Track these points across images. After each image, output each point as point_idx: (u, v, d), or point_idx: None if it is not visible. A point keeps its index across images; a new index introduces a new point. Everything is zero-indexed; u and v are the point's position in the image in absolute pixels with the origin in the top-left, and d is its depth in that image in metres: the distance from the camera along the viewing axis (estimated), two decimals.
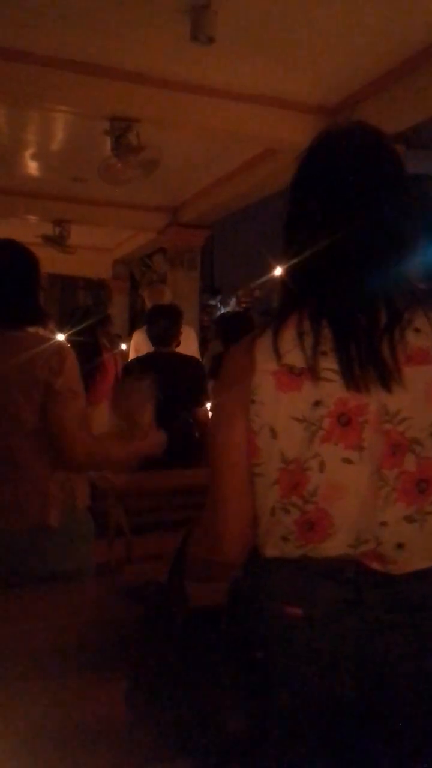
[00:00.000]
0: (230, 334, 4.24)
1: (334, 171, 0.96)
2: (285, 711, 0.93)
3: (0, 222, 7.23)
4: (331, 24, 3.46)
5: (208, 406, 3.37)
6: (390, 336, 0.90)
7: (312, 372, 0.89)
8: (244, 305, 9.36)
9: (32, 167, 6.17)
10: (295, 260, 0.97)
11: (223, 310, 9.53)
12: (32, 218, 7.51)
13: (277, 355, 0.91)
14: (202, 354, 4.94)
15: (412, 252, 0.95)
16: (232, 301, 9.81)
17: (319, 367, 0.89)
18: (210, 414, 1.06)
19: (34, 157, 5.88)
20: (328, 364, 0.90)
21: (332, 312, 0.92)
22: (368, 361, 0.89)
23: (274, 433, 0.91)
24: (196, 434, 3.34)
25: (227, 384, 0.98)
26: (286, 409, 0.90)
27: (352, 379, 0.89)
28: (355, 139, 0.99)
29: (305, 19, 3.43)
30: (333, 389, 0.89)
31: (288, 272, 0.99)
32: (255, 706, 0.95)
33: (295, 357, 0.91)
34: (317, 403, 0.89)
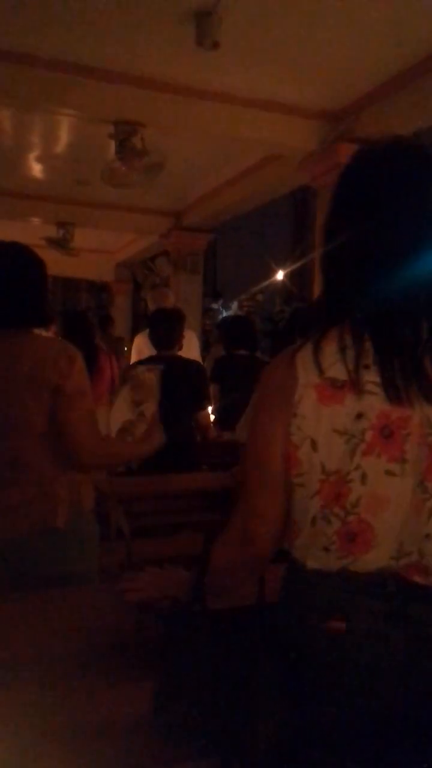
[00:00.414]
0: (232, 339, 4.26)
1: (377, 185, 0.96)
2: (330, 724, 0.94)
3: (4, 224, 7.26)
4: (335, 30, 3.47)
5: (210, 409, 3.38)
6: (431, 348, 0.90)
7: (354, 385, 0.90)
8: (246, 309, 9.38)
9: (36, 170, 6.20)
10: (335, 274, 0.98)
11: (225, 314, 9.54)
12: (36, 220, 7.54)
13: (319, 368, 0.92)
14: (203, 358, 4.94)
15: None
16: (234, 305, 9.83)
17: (362, 380, 0.90)
18: (248, 422, 1.08)
19: (39, 159, 5.90)
20: (371, 377, 0.90)
21: (375, 326, 0.93)
22: (411, 374, 0.90)
23: (314, 446, 0.92)
24: (198, 438, 3.34)
25: (267, 396, 0.99)
26: (327, 422, 0.92)
27: (394, 392, 0.90)
28: (397, 153, 0.99)
29: (309, 25, 3.44)
30: (375, 402, 0.90)
31: (328, 286, 1.00)
32: (291, 715, 0.96)
33: (337, 370, 0.92)
34: (359, 416, 0.90)
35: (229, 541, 1.04)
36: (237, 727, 0.97)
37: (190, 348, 4.28)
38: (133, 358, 4.50)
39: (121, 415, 1.88)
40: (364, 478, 0.91)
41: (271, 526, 0.99)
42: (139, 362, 3.77)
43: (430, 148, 1.00)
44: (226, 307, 10.10)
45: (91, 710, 1.14)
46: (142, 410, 1.87)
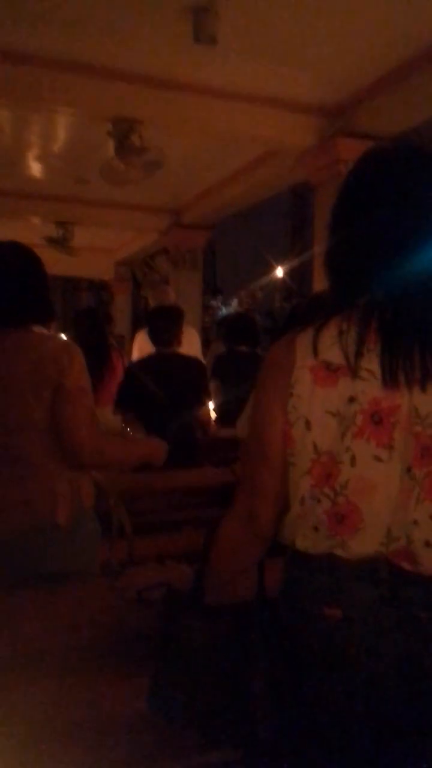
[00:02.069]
0: (232, 335, 4.26)
1: (385, 181, 0.99)
2: (329, 708, 0.95)
3: (3, 224, 7.25)
4: (333, 25, 3.47)
5: (210, 405, 3.38)
6: None
7: (350, 369, 0.93)
8: (246, 306, 9.38)
9: (35, 169, 6.19)
10: (341, 264, 1.01)
11: (224, 311, 9.54)
12: (35, 220, 7.53)
13: (315, 351, 0.95)
14: (204, 355, 4.94)
15: None
16: (234, 302, 9.82)
17: (357, 365, 0.93)
18: (252, 402, 1.11)
19: (37, 158, 5.89)
20: (366, 364, 0.93)
21: (382, 311, 0.95)
22: (415, 360, 0.92)
23: (308, 425, 0.96)
24: (198, 434, 3.35)
25: (268, 377, 1.03)
26: (321, 403, 0.95)
27: (392, 377, 0.92)
28: (403, 153, 1.01)
29: (307, 20, 3.43)
30: (368, 388, 0.93)
31: (334, 276, 1.03)
32: (289, 700, 0.97)
33: (333, 354, 0.95)
34: (351, 400, 0.94)
35: (233, 519, 1.07)
36: (236, 721, 0.98)
37: (192, 345, 4.28)
38: (135, 356, 4.50)
39: (111, 426, 1.88)
40: (353, 460, 0.93)
41: (272, 502, 1.02)
42: (139, 361, 3.78)
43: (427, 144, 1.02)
44: (226, 304, 10.09)
45: (90, 705, 1.14)
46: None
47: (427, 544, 0.92)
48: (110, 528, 2.11)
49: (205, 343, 6.42)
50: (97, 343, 3.70)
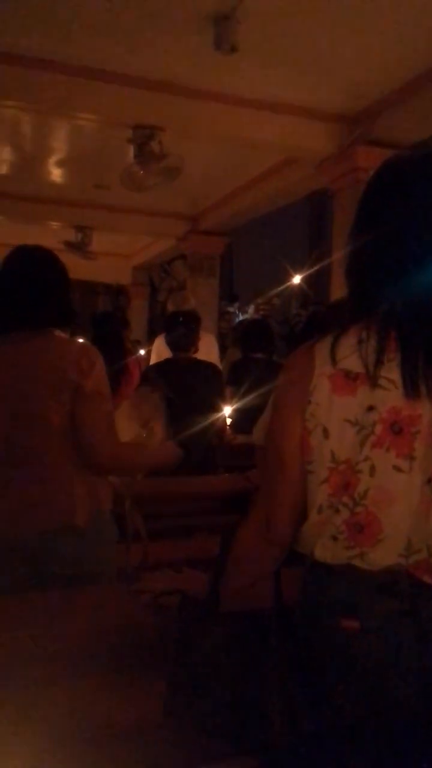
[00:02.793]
0: (248, 342, 4.26)
1: (405, 191, 0.99)
2: (345, 719, 0.95)
3: (23, 228, 7.33)
4: (353, 33, 3.47)
5: (226, 412, 3.38)
6: None
7: (369, 378, 0.93)
8: (262, 313, 9.36)
9: (56, 174, 6.25)
10: (361, 273, 1.01)
11: (241, 317, 9.53)
12: (54, 224, 7.60)
13: (334, 359, 0.95)
14: (220, 361, 4.94)
15: None
16: (251, 309, 9.81)
17: (377, 374, 0.93)
18: (269, 409, 1.12)
19: (58, 164, 5.95)
20: (386, 373, 0.93)
21: (402, 321, 0.94)
22: None
23: (326, 434, 0.95)
24: (213, 440, 3.34)
25: (287, 385, 1.03)
26: (339, 412, 0.95)
27: (413, 387, 0.91)
28: (423, 162, 1.01)
29: (327, 29, 3.44)
30: (387, 397, 0.92)
31: (354, 285, 1.03)
32: (306, 714, 0.97)
33: (352, 362, 0.95)
34: (370, 409, 0.93)
35: (249, 527, 1.07)
36: (251, 729, 0.98)
37: (210, 351, 4.29)
38: (153, 360, 4.52)
39: (124, 434, 1.88)
40: (372, 470, 0.93)
41: (289, 510, 1.02)
42: (155, 365, 3.79)
43: None
44: (243, 311, 10.09)
45: (103, 710, 1.14)
46: (152, 427, 1.87)
47: None
48: (125, 532, 2.11)
49: (221, 349, 6.42)
50: (113, 347, 3.72)
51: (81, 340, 1.99)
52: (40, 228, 7.53)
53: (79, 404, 1.64)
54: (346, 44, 3.60)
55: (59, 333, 1.75)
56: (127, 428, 1.92)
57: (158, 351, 4.50)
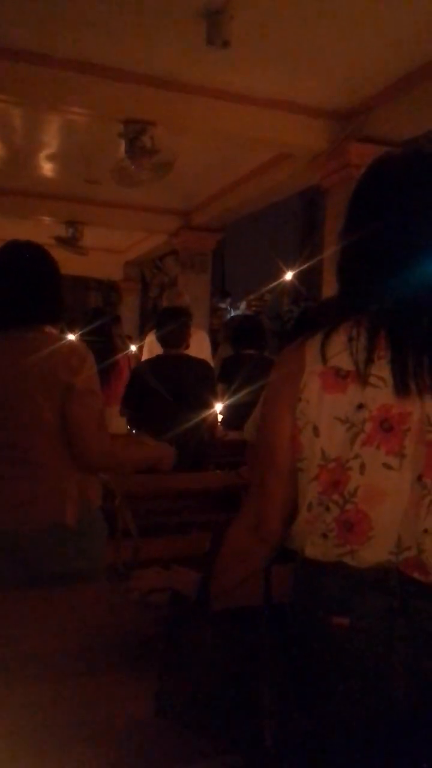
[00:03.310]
0: (240, 338, 4.26)
1: (396, 187, 0.99)
2: (336, 717, 0.95)
3: (14, 223, 7.28)
4: (346, 30, 3.46)
5: (217, 408, 3.38)
6: None
7: (359, 376, 0.93)
8: (254, 309, 9.37)
9: (47, 168, 6.21)
10: (351, 270, 1.01)
11: (233, 314, 9.53)
12: (46, 219, 7.56)
13: (324, 357, 0.95)
14: (212, 357, 4.94)
15: None
16: (242, 305, 9.82)
17: (367, 371, 0.93)
18: (261, 405, 1.13)
19: (49, 158, 5.92)
20: (376, 371, 0.93)
21: (391, 318, 0.94)
22: (424, 367, 0.91)
23: (316, 431, 0.95)
24: (205, 437, 3.34)
25: (277, 382, 1.03)
26: (329, 409, 0.94)
27: (403, 385, 0.91)
28: (413, 160, 1.01)
29: (320, 26, 3.43)
30: (377, 395, 0.92)
31: (345, 282, 1.03)
32: (296, 712, 0.97)
33: (342, 360, 0.94)
34: (360, 406, 0.93)
35: (240, 524, 1.07)
36: (242, 727, 0.98)
37: (202, 348, 4.28)
38: (145, 356, 4.51)
39: (118, 431, 1.88)
40: (362, 467, 0.93)
41: (280, 508, 1.02)
42: (146, 362, 3.78)
43: None
44: (235, 307, 10.09)
45: (92, 707, 1.14)
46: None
47: None
48: (116, 529, 2.10)
49: (213, 346, 6.42)
50: (103, 344, 3.70)
51: (72, 337, 1.98)
52: (30, 223, 7.49)
53: (70, 402, 1.63)
54: (338, 41, 3.59)
55: (50, 330, 1.74)
56: (118, 425, 1.91)
57: (150, 347, 4.49)
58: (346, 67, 3.90)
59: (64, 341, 1.72)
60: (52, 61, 3.87)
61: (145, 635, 1.23)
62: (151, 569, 1.37)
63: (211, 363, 4.15)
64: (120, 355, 3.97)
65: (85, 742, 1.08)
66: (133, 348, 5.61)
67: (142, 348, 4.90)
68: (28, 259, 1.72)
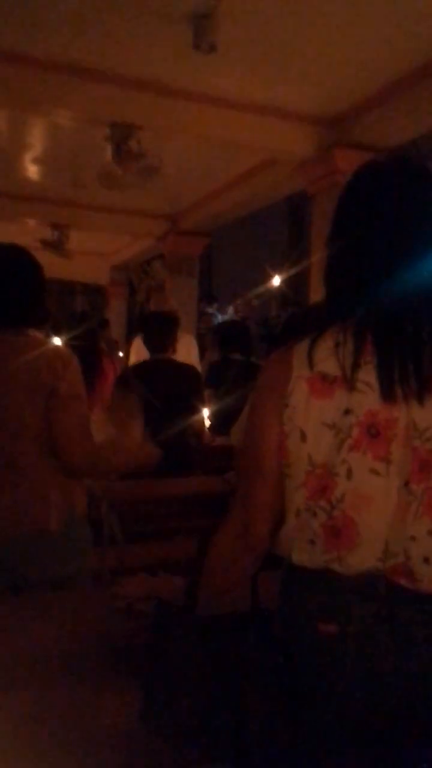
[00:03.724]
0: (227, 343, 4.25)
1: (379, 195, 1.00)
2: (323, 727, 0.95)
3: None
4: (333, 35, 3.48)
5: (204, 413, 3.37)
6: (430, 350, 0.92)
7: (346, 381, 0.93)
8: (241, 314, 9.38)
9: (32, 171, 6.18)
10: (338, 276, 1.01)
11: (220, 318, 9.54)
12: (31, 222, 7.52)
13: (311, 362, 0.95)
14: (200, 362, 4.93)
15: None
16: (230, 310, 9.82)
17: (354, 377, 0.93)
18: (248, 410, 1.12)
19: (35, 161, 5.89)
20: (363, 376, 0.93)
21: (377, 324, 0.94)
22: (410, 373, 0.91)
23: (303, 437, 0.95)
24: (192, 442, 3.33)
25: (264, 388, 1.03)
26: (316, 415, 0.94)
27: (389, 390, 0.91)
28: (399, 167, 1.02)
29: (307, 30, 3.45)
30: (364, 400, 0.92)
31: (331, 287, 1.03)
32: (284, 719, 0.96)
33: (329, 365, 0.94)
34: (347, 412, 0.93)
35: (227, 531, 1.06)
36: (229, 735, 0.96)
37: (189, 353, 4.28)
38: (132, 361, 4.49)
39: (99, 436, 1.87)
40: (349, 473, 0.92)
41: (267, 515, 1.01)
42: (132, 367, 3.76)
43: (427, 161, 1.03)
44: (222, 312, 10.09)
45: (76, 716, 1.12)
46: (129, 429, 1.86)
47: (425, 560, 0.91)
48: (101, 536, 2.09)
49: (201, 351, 6.41)
50: (87, 347, 3.68)
51: (58, 341, 1.97)
52: (15, 226, 7.45)
53: (54, 406, 1.62)
54: (325, 47, 3.61)
55: (34, 333, 1.72)
56: (102, 431, 1.89)
57: (137, 352, 4.48)
58: (332, 74, 3.92)
59: (48, 345, 1.71)
60: (37, 63, 3.85)
61: (130, 643, 1.21)
62: (137, 576, 1.36)
63: (199, 368, 4.14)
64: (105, 360, 3.94)
65: (70, 750, 1.06)
66: (120, 354, 5.59)
67: (129, 352, 4.89)
68: (11, 261, 1.71)
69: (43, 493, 1.64)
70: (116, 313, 10.50)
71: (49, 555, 1.65)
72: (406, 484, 0.91)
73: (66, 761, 1.05)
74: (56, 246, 7.58)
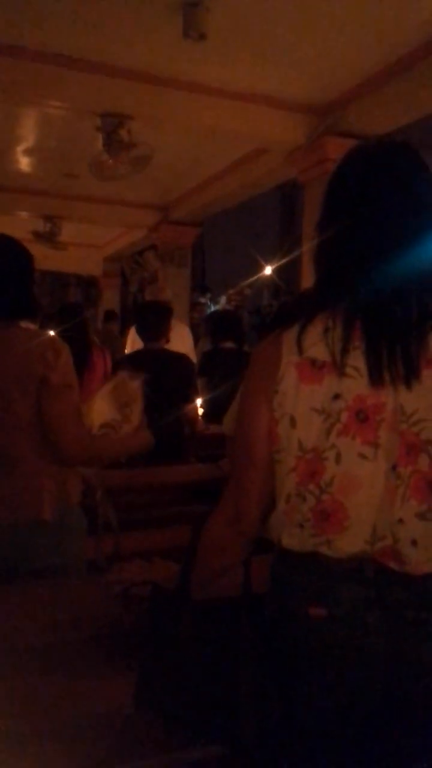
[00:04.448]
0: (219, 332, 4.26)
1: (368, 181, 1.00)
2: (315, 707, 0.96)
3: None
4: (322, 23, 3.47)
5: (198, 402, 3.38)
6: (418, 334, 0.93)
7: (335, 366, 0.94)
8: (234, 303, 9.37)
9: (23, 163, 6.14)
10: (327, 262, 1.02)
11: (213, 308, 9.52)
12: (23, 214, 7.48)
13: (300, 348, 0.95)
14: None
15: None
16: (222, 299, 9.81)
17: (343, 362, 0.93)
18: (239, 398, 1.13)
19: (26, 152, 5.85)
20: (352, 361, 0.94)
21: (366, 309, 0.95)
22: (398, 357, 0.92)
23: (293, 422, 0.96)
24: (185, 431, 3.34)
25: (254, 375, 1.03)
26: (306, 400, 0.95)
27: (377, 374, 0.92)
28: (387, 151, 1.02)
29: (296, 19, 3.43)
30: (353, 385, 0.93)
31: (321, 274, 1.03)
32: (277, 703, 0.97)
33: (318, 351, 0.95)
34: (336, 397, 0.94)
35: (219, 517, 1.07)
36: (222, 716, 0.98)
37: (184, 342, 4.28)
38: (128, 351, 4.49)
39: (101, 417, 1.87)
40: (338, 457, 0.94)
41: (258, 500, 1.02)
42: (126, 356, 3.77)
43: (415, 145, 1.03)
44: (214, 301, 10.08)
45: (73, 701, 1.14)
46: (128, 413, 1.86)
47: (413, 542, 0.92)
48: (96, 524, 2.10)
49: (194, 340, 6.42)
50: (77, 338, 3.67)
51: (51, 333, 1.97)
52: (7, 218, 7.40)
53: (46, 397, 1.62)
54: (315, 35, 3.59)
55: (26, 325, 1.72)
56: (104, 411, 1.90)
57: (133, 341, 4.48)
58: (322, 63, 3.91)
59: (38, 335, 1.71)
60: (27, 54, 3.82)
61: (126, 628, 1.23)
62: (132, 562, 1.38)
63: (194, 358, 4.15)
64: (95, 351, 3.93)
65: (67, 734, 1.09)
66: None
67: (125, 343, 4.88)
68: (11, 251, 1.70)
69: (36, 483, 1.65)
70: (109, 303, 10.47)
71: (43, 543, 1.65)
72: (394, 467, 0.92)
73: (64, 743, 1.07)
74: (49, 238, 7.55)
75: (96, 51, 3.86)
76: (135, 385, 1.92)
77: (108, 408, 1.91)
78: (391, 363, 0.92)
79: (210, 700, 0.99)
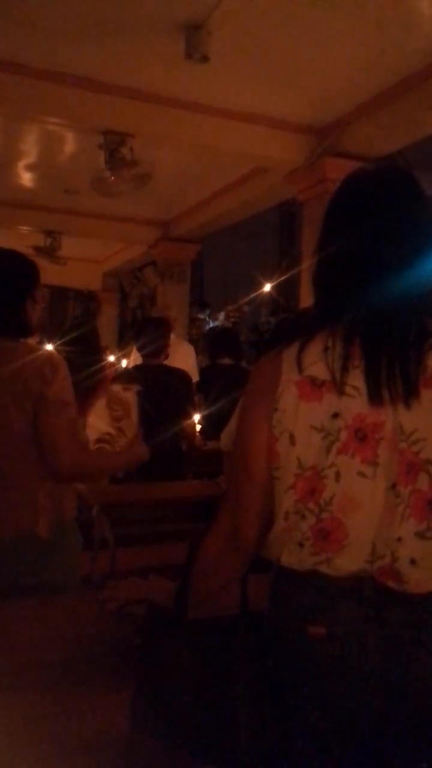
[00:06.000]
0: (216, 349, 4.28)
1: (366, 203, 1.02)
2: (312, 727, 0.95)
3: None
4: (323, 46, 3.53)
5: (195, 418, 3.38)
6: (417, 354, 0.94)
7: (335, 385, 0.94)
8: (232, 320, 9.40)
9: (26, 178, 6.19)
10: (327, 282, 1.03)
11: (211, 324, 9.55)
12: (24, 229, 7.52)
13: (300, 366, 0.96)
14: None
15: None
16: (221, 316, 9.84)
17: (342, 381, 0.94)
18: (238, 412, 1.13)
19: (28, 168, 5.90)
20: (352, 380, 0.94)
21: (365, 328, 0.96)
22: (397, 375, 0.93)
23: (292, 440, 0.96)
24: (183, 446, 3.34)
25: (254, 392, 1.03)
26: (305, 418, 0.95)
27: (377, 393, 0.93)
28: (386, 175, 1.04)
29: (298, 42, 3.49)
30: (352, 404, 0.94)
31: (320, 293, 1.04)
32: (274, 721, 0.97)
33: (318, 369, 0.95)
34: (336, 415, 0.94)
35: (216, 534, 1.06)
36: (219, 737, 0.97)
37: (186, 359, 4.29)
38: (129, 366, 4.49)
39: (97, 432, 1.87)
40: (338, 476, 0.94)
41: (256, 517, 1.01)
42: (125, 371, 3.77)
43: (412, 170, 1.05)
44: (213, 318, 10.11)
45: (67, 720, 1.13)
46: (122, 426, 1.87)
47: (412, 561, 0.92)
48: (92, 540, 2.09)
49: None
50: (93, 355, 3.66)
51: (50, 347, 1.97)
52: (8, 232, 7.44)
53: (42, 412, 1.62)
54: (315, 57, 3.65)
55: (25, 340, 1.72)
56: (99, 426, 1.90)
57: (134, 358, 4.48)
58: (323, 84, 3.97)
59: (37, 351, 1.71)
60: (31, 72, 3.87)
61: (121, 646, 1.22)
62: (128, 579, 1.37)
63: (196, 376, 4.15)
64: (109, 368, 3.92)
65: (61, 755, 1.07)
66: (112, 358, 5.57)
67: (119, 358, 4.87)
68: (5, 267, 1.71)
69: (32, 499, 1.64)
70: (108, 319, 10.49)
71: (38, 559, 1.64)
72: (394, 486, 0.92)
73: (62, 763, 1.05)
74: (49, 252, 7.58)
75: (100, 70, 3.91)
76: (128, 397, 1.92)
77: (103, 423, 1.91)
78: (390, 382, 0.93)
79: (206, 719, 0.98)
